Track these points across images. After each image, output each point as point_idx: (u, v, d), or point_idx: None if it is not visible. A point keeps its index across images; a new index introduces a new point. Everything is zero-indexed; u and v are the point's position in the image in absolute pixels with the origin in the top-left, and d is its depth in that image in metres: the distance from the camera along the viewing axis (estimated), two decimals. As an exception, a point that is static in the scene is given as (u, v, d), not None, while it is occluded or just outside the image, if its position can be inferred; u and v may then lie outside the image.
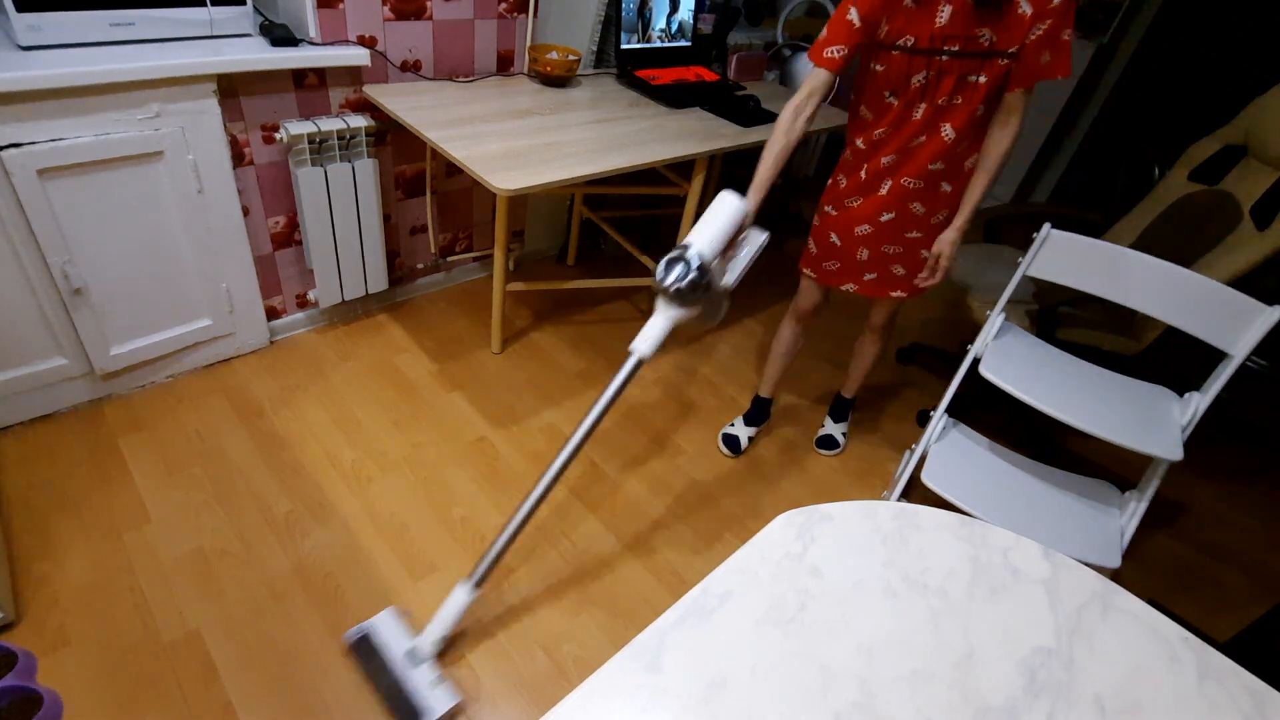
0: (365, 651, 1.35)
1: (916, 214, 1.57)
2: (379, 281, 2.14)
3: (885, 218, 1.58)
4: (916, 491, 1.62)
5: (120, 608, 1.37)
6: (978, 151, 1.48)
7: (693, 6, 2.39)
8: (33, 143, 1.39)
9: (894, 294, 1.69)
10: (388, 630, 1.38)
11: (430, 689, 1.29)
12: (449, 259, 2.42)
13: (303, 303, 2.10)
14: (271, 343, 2.06)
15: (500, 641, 1.44)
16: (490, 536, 1.64)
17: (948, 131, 1.44)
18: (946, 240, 1.53)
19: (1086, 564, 0.78)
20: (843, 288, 1.73)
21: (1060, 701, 0.63)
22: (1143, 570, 1.91)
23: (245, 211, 1.80)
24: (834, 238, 1.66)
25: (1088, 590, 0.75)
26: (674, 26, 2.38)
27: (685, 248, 1.19)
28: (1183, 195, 2.01)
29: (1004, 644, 0.68)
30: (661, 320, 1.24)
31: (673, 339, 2.42)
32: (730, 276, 1.31)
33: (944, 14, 1.31)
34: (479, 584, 1.32)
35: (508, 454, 1.87)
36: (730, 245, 1.28)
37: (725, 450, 2.01)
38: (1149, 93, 3.40)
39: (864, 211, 1.60)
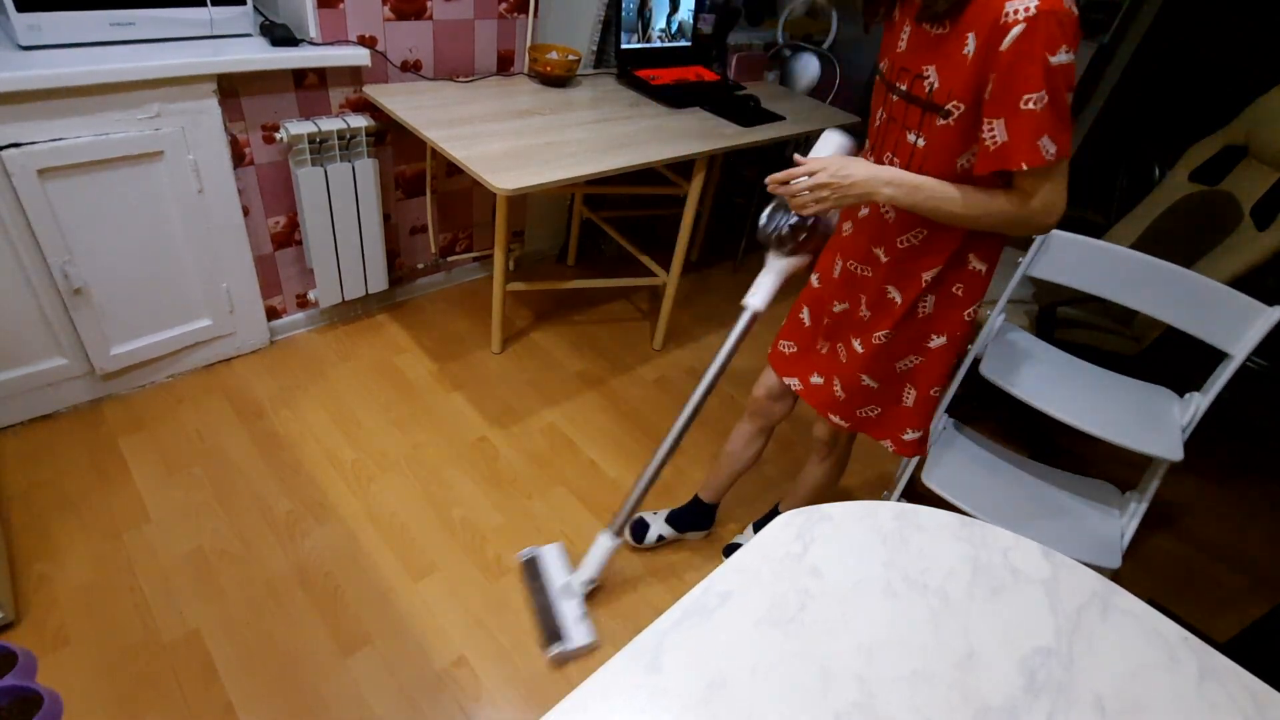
0: (531, 572, 1.55)
1: (861, 317, 1.22)
2: (379, 281, 2.14)
3: (838, 308, 1.27)
4: (916, 491, 1.62)
5: (120, 608, 1.37)
6: (936, 262, 1.09)
7: (693, 6, 2.39)
8: (33, 143, 1.39)
9: (831, 416, 1.30)
10: (553, 560, 1.56)
11: (576, 622, 1.46)
12: (449, 259, 2.42)
13: (303, 303, 2.10)
14: (272, 343, 2.06)
15: (500, 641, 1.44)
16: (490, 536, 1.64)
17: (888, 210, 1.12)
18: (839, 165, 1.03)
19: (1086, 564, 0.78)
20: (786, 381, 1.39)
21: (1060, 701, 0.63)
22: (1143, 570, 1.91)
23: (245, 211, 1.80)
24: (804, 313, 1.36)
25: (1088, 590, 0.75)
26: (674, 26, 2.38)
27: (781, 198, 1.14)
28: (1183, 196, 2.01)
29: (1004, 644, 0.68)
30: (771, 272, 1.24)
31: (672, 338, 2.42)
32: (835, 215, 1.24)
33: (905, 36, 1.01)
34: (618, 533, 1.46)
35: (508, 454, 1.87)
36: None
37: (629, 537, 1.68)
38: (1149, 93, 3.40)
39: (824, 292, 1.31)
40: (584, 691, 0.58)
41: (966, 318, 1.16)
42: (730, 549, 1.72)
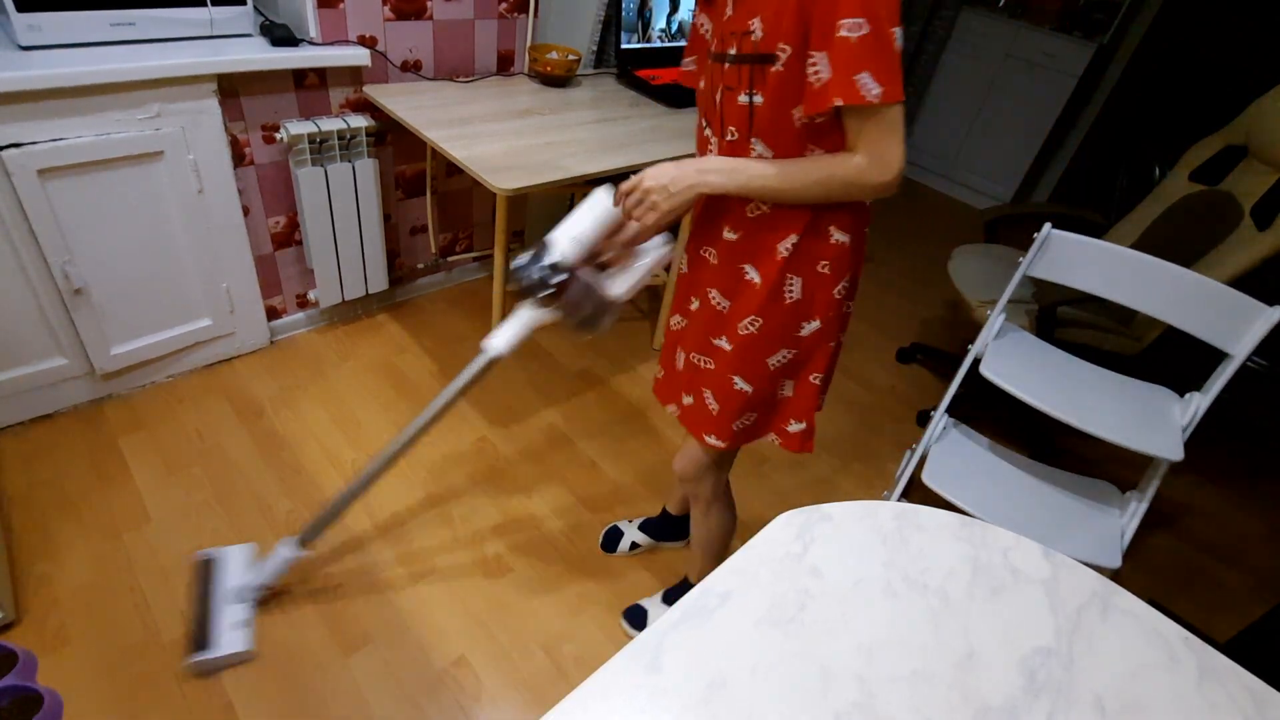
0: (203, 574, 1.41)
1: (718, 309, 1.11)
2: (379, 281, 2.14)
3: (693, 305, 1.17)
4: (916, 491, 1.62)
5: (120, 608, 1.37)
6: (792, 230, 0.99)
7: (693, 6, 2.39)
8: (33, 143, 1.39)
9: (706, 437, 1.16)
10: (234, 562, 1.44)
11: (231, 628, 1.33)
12: (449, 259, 2.42)
13: (303, 303, 2.10)
14: (272, 343, 2.06)
15: (500, 641, 1.44)
16: (490, 536, 1.64)
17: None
18: (657, 170, 0.98)
19: (1086, 564, 0.78)
20: (668, 409, 1.29)
21: (1060, 701, 0.63)
22: (1143, 570, 1.91)
23: (245, 211, 1.80)
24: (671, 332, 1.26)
25: (1088, 590, 0.75)
26: (674, 26, 2.37)
27: (546, 243, 1.06)
28: (1184, 196, 2.02)
29: (1004, 644, 0.68)
30: (517, 320, 1.13)
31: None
32: (620, 287, 1.13)
33: (730, 2, 0.93)
34: (302, 543, 1.36)
35: (508, 454, 1.87)
36: (623, 254, 1.13)
37: (600, 545, 1.68)
38: (1149, 93, 3.40)
39: (678, 294, 1.22)
40: (584, 691, 0.58)
41: (837, 295, 1.05)
42: (633, 612, 1.53)
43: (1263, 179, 1.86)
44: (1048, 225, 1.54)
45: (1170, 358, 1.83)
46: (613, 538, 1.68)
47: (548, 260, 1.05)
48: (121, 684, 1.26)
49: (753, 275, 1.05)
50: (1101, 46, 3.37)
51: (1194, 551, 2.02)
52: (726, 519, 1.37)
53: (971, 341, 1.64)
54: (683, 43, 2.43)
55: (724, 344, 1.10)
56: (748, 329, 1.07)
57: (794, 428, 1.16)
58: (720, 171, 0.96)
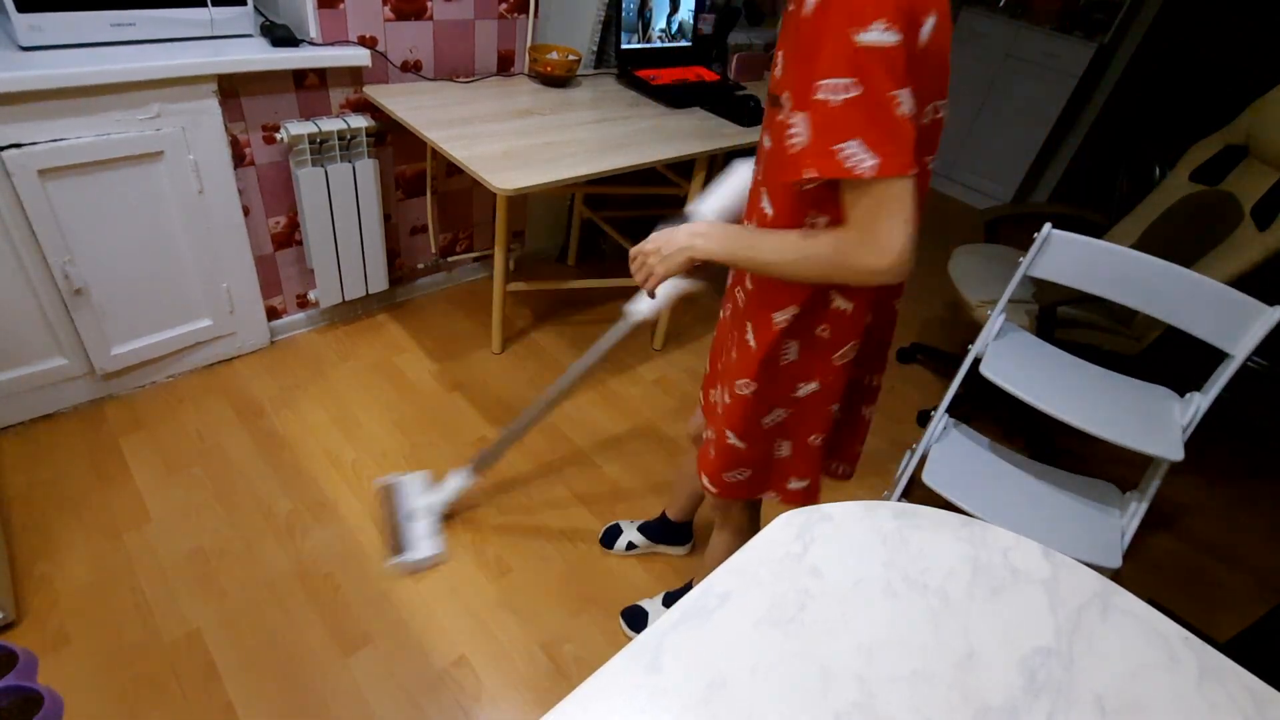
0: (389, 497, 1.65)
1: (729, 359, 1.08)
2: (379, 281, 2.14)
3: (722, 314, 1.14)
4: (916, 491, 1.62)
5: (120, 608, 1.37)
6: (789, 301, 0.94)
7: (693, 6, 2.39)
8: (34, 143, 1.39)
9: (702, 478, 1.15)
10: (411, 487, 1.68)
11: (422, 538, 1.57)
12: (449, 259, 2.42)
13: (303, 303, 2.10)
14: (272, 343, 2.06)
15: (500, 641, 1.44)
16: (491, 536, 1.64)
17: (762, 208, 0.93)
18: (657, 234, 0.96)
19: (1086, 564, 0.78)
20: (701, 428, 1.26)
21: (1060, 701, 0.63)
22: (1143, 570, 1.91)
23: (246, 211, 1.80)
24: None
25: (1088, 590, 0.75)
26: (674, 27, 2.38)
27: (687, 214, 1.07)
28: (1184, 196, 2.02)
29: (1004, 644, 0.68)
30: (662, 289, 1.14)
31: (672, 338, 2.42)
32: None
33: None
34: (475, 470, 1.58)
35: (508, 453, 1.87)
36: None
37: (600, 539, 1.69)
38: (1149, 93, 3.40)
39: (717, 334, 1.20)
40: (584, 691, 0.58)
41: (837, 361, 0.97)
42: (632, 613, 1.54)
43: (1263, 179, 1.85)
44: (1048, 225, 1.54)
45: (1170, 358, 1.83)
46: (612, 535, 1.68)
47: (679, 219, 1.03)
48: (121, 684, 1.26)
49: (750, 338, 1.00)
50: (1101, 46, 3.37)
51: (1194, 551, 2.02)
52: (733, 546, 1.29)
53: (971, 341, 1.64)
54: (683, 43, 2.43)
55: (725, 397, 1.07)
56: (742, 390, 1.02)
57: (795, 485, 1.12)
58: (711, 238, 0.90)
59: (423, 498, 1.63)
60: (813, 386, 1.01)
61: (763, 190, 0.91)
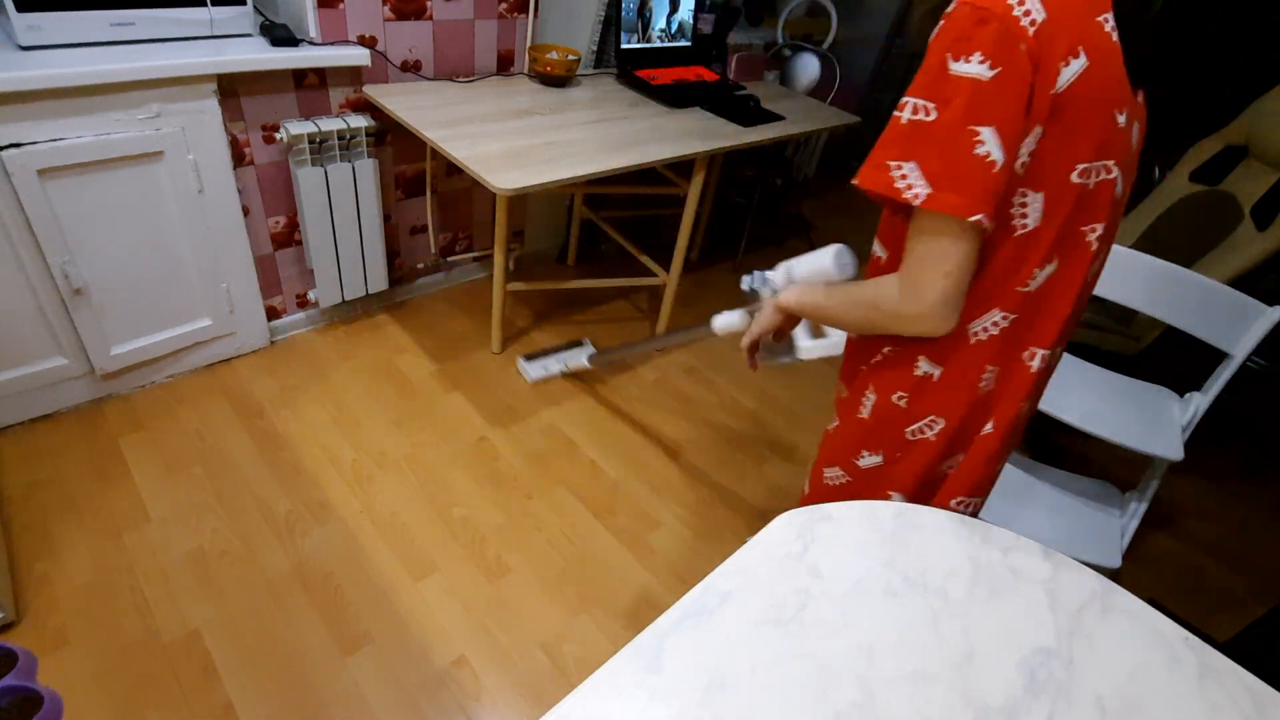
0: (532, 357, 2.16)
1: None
2: (379, 281, 2.14)
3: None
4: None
5: (120, 608, 1.37)
6: (870, 353, 0.92)
7: (693, 6, 2.39)
8: (33, 143, 1.39)
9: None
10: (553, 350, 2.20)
11: (541, 368, 2.12)
12: (449, 259, 2.42)
13: (303, 303, 2.10)
14: (272, 343, 2.06)
15: (500, 641, 1.44)
16: (491, 536, 1.64)
17: (875, 254, 0.90)
18: (765, 314, 1.01)
19: (1086, 564, 0.78)
20: None
21: (1060, 701, 0.63)
22: (1143, 570, 1.91)
23: (245, 211, 1.80)
24: None
25: (1088, 590, 0.75)
26: (674, 26, 2.38)
27: (776, 266, 1.16)
28: (1184, 196, 2.02)
29: (1004, 644, 0.68)
30: (736, 310, 1.28)
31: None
32: (803, 341, 1.21)
33: None
34: (590, 360, 2.00)
35: (508, 454, 1.87)
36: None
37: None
38: (1149, 93, 3.40)
39: None
40: (584, 691, 0.58)
41: (910, 437, 0.88)
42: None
43: (1263, 179, 1.86)
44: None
45: (1170, 358, 1.83)
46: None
47: (764, 274, 1.14)
48: (122, 684, 1.26)
49: (842, 388, 1.00)
50: (1101, 46, 3.36)
51: (1194, 551, 2.02)
52: None
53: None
54: (683, 43, 2.43)
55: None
56: (829, 432, 1.02)
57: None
58: (791, 290, 0.94)
59: (561, 355, 2.17)
60: (876, 460, 0.93)
61: (876, 238, 0.87)
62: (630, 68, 2.26)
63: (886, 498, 0.94)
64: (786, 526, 0.76)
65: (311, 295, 2.10)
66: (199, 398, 1.84)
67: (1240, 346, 1.41)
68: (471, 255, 2.49)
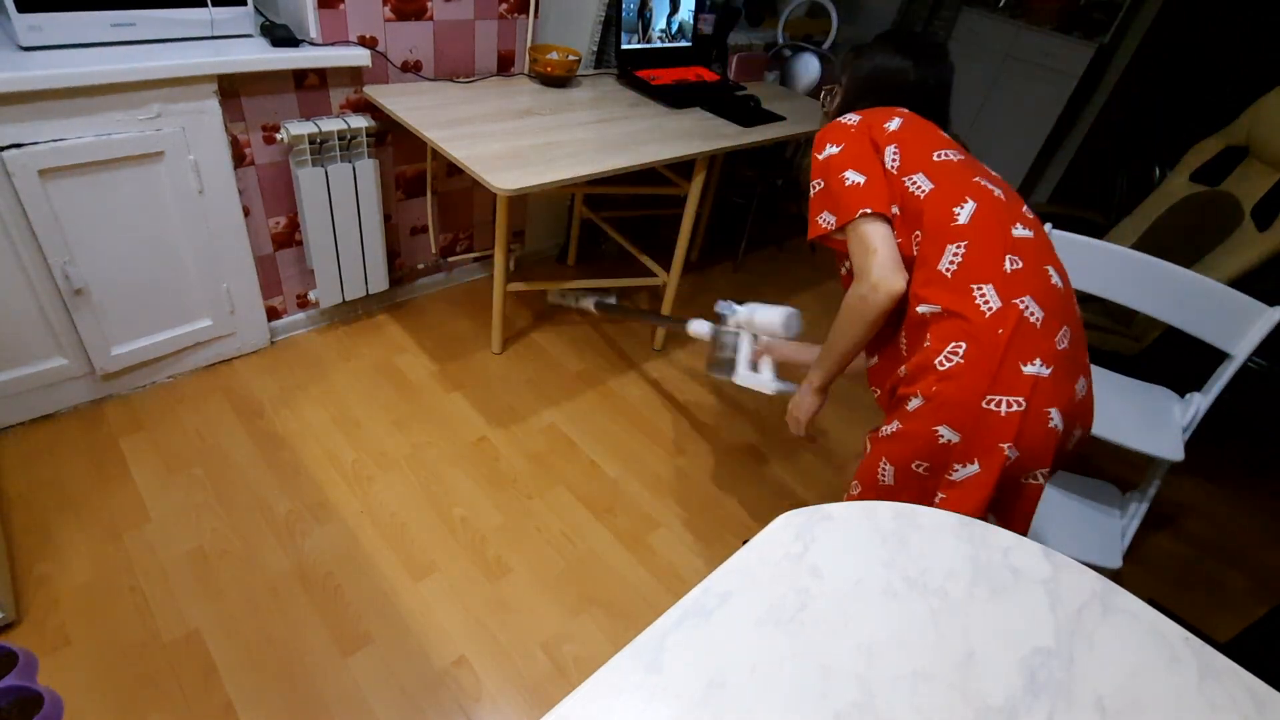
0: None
1: None
2: (379, 282, 2.14)
3: None
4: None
5: (120, 608, 1.37)
6: (879, 383, 1.24)
7: (693, 7, 2.39)
8: (34, 143, 1.39)
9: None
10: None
11: (587, 298, 2.18)
12: (449, 259, 2.42)
13: (303, 303, 2.10)
14: (272, 343, 2.06)
15: (500, 641, 1.44)
16: (491, 536, 1.64)
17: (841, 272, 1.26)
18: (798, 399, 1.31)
19: (1087, 564, 0.78)
20: None
21: (1060, 701, 0.63)
22: (1143, 570, 1.91)
23: (246, 212, 1.80)
24: None
25: (1088, 590, 0.75)
26: (674, 27, 2.38)
27: (746, 304, 1.48)
28: (1184, 196, 2.02)
29: (1004, 644, 0.68)
30: (706, 323, 1.60)
31: (671, 339, 2.42)
32: (742, 369, 1.48)
33: None
34: (597, 307, 2.10)
35: (508, 454, 1.87)
36: (766, 362, 1.49)
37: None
38: (1149, 93, 3.40)
39: None
40: (584, 691, 0.58)
41: (883, 434, 1.12)
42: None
43: (1263, 179, 1.86)
44: (1048, 225, 1.54)
45: (1170, 358, 1.83)
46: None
47: (734, 305, 1.51)
48: (122, 684, 1.26)
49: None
50: (1101, 47, 3.37)
51: (1194, 551, 2.02)
52: None
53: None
54: (683, 43, 2.43)
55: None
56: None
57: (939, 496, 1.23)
58: (811, 374, 1.26)
59: (576, 292, 2.23)
60: (889, 470, 1.14)
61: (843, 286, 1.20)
62: (630, 68, 2.26)
63: (872, 473, 1.17)
64: (786, 526, 0.76)
65: (312, 295, 2.10)
66: (199, 398, 1.85)
67: (1241, 347, 1.41)
68: (472, 255, 2.49)
